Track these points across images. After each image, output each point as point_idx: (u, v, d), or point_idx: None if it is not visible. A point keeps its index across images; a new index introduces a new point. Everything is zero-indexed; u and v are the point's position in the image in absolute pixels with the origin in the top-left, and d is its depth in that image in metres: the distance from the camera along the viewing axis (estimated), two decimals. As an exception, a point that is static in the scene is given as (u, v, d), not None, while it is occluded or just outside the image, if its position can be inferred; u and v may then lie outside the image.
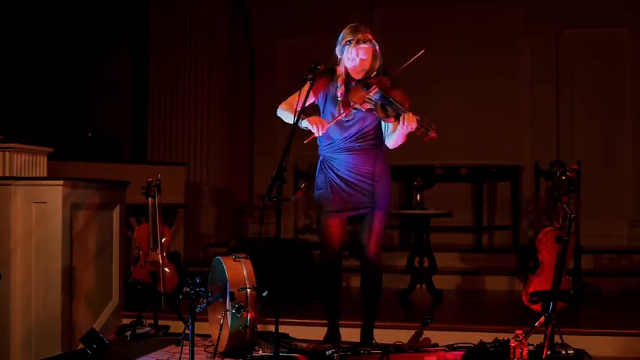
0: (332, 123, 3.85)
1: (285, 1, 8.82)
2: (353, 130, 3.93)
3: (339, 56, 3.90)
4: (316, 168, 4.11)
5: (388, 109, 3.78)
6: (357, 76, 3.87)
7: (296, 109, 3.79)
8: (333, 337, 4.11)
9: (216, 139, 8.45)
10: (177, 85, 8.33)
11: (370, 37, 3.82)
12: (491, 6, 8.45)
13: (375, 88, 3.79)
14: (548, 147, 8.26)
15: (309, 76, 3.75)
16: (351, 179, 3.96)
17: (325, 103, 3.98)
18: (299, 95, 3.81)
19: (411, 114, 3.71)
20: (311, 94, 3.94)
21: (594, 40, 8.34)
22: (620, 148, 8.28)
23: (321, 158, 4.08)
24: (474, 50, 8.37)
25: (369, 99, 3.81)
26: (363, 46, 3.80)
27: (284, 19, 8.83)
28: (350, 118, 3.91)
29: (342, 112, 3.87)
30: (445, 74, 8.31)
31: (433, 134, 3.71)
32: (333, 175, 3.99)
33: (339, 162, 3.98)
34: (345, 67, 3.89)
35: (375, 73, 3.87)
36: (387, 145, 3.95)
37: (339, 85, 3.91)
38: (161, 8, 8.42)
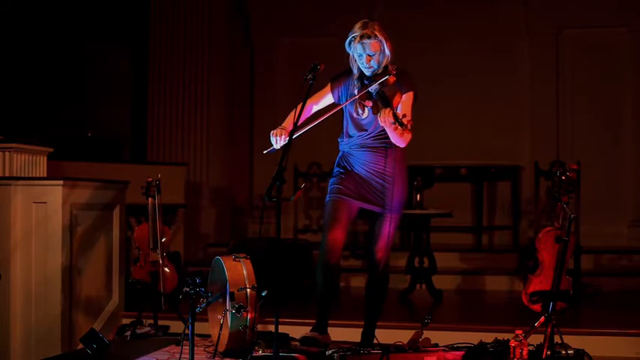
0: (297, 135, 3.74)
1: (285, 1, 8.83)
2: (369, 127, 3.90)
3: (349, 53, 3.88)
4: (335, 162, 4.08)
5: (379, 104, 3.76)
6: (367, 72, 3.84)
7: (296, 111, 3.79)
8: (322, 325, 3.99)
9: (216, 139, 8.45)
10: (178, 85, 8.33)
11: (376, 32, 3.76)
12: (491, 6, 8.45)
13: (373, 84, 3.76)
14: (548, 147, 8.26)
15: (309, 76, 3.74)
16: (364, 176, 3.94)
17: (340, 99, 3.96)
18: (299, 105, 3.79)
19: (388, 109, 3.60)
20: (329, 94, 3.98)
21: (594, 40, 8.34)
22: (620, 148, 8.28)
23: (340, 154, 4.07)
24: (473, 50, 8.38)
25: (369, 94, 3.80)
26: (366, 41, 3.75)
27: (284, 19, 8.83)
28: (365, 116, 3.89)
29: (359, 111, 3.86)
30: (445, 74, 8.31)
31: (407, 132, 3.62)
32: (350, 168, 3.98)
33: (354, 158, 3.97)
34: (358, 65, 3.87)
35: (382, 69, 3.82)
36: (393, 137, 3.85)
37: (355, 83, 3.90)
38: (161, 9, 8.41)
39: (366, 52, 3.78)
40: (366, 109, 3.87)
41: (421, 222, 6.21)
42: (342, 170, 4.00)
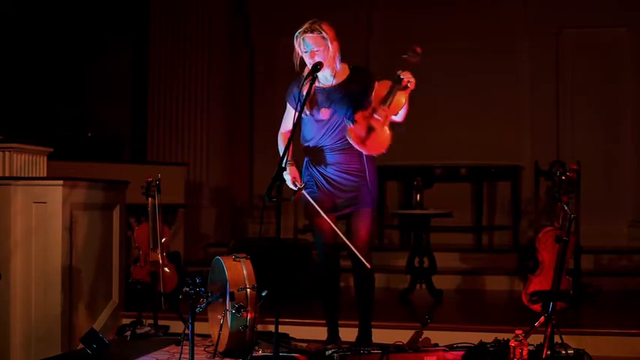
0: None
1: (285, 1, 8.82)
2: (327, 126, 3.95)
3: (299, 54, 3.92)
4: (302, 166, 4.12)
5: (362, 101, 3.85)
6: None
7: (295, 113, 3.80)
8: (334, 338, 4.13)
9: (216, 139, 8.45)
10: (178, 85, 8.33)
11: (321, 28, 3.84)
12: (491, 6, 8.45)
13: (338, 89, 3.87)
14: (548, 147, 8.26)
15: (310, 75, 3.76)
16: (336, 177, 3.97)
17: (297, 107, 3.88)
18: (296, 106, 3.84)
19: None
20: (292, 112, 3.99)
21: (594, 40, 8.34)
22: (621, 148, 8.28)
23: (307, 158, 4.10)
24: (473, 50, 8.37)
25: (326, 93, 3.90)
26: (309, 35, 3.84)
27: (284, 19, 8.80)
28: (321, 116, 3.93)
29: (314, 112, 3.94)
30: (445, 74, 8.30)
31: (418, 49, 3.76)
32: (318, 174, 4.00)
33: (324, 161, 3.99)
34: (307, 67, 3.89)
35: (332, 67, 3.88)
36: (397, 119, 3.89)
37: (304, 84, 3.86)
38: (161, 9, 8.42)
39: (309, 48, 3.84)
40: (321, 109, 3.91)
41: (421, 222, 6.21)
42: (312, 183, 4.01)
